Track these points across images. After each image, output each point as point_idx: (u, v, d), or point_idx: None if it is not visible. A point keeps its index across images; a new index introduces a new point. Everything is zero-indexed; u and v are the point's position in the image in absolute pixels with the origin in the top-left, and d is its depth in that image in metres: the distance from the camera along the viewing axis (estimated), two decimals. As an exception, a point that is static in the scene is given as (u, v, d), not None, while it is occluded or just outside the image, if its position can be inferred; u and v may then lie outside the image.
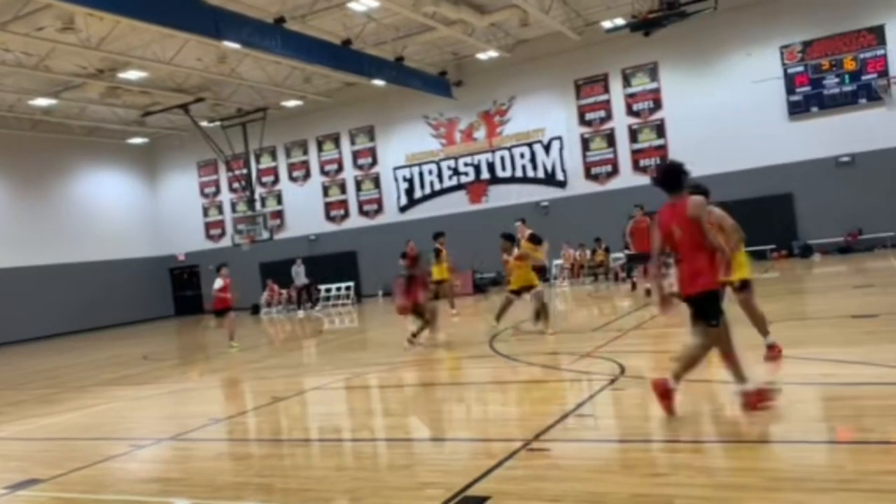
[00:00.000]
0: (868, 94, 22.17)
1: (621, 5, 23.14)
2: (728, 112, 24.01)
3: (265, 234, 29.09)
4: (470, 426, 6.68)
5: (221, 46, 21.06)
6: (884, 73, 21.95)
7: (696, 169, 24.30)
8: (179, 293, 35.49)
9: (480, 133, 28.56)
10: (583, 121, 26.73)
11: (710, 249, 5.57)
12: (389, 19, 22.35)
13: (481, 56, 26.67)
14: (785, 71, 23.40)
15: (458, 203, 28.83)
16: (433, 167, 29.41)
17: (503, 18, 23.57)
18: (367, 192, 30.97)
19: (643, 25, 19.47)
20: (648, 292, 14.67)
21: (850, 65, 22.49)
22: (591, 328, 11.49)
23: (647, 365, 8.45)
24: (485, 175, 28.44)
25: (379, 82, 25.36)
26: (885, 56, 22.02)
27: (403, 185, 30.04)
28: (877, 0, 22.06)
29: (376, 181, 30.79)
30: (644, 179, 25.53)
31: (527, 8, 21.75)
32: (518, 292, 12.01)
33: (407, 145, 29.91)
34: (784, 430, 5.20)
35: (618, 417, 6.17)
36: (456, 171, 28.98)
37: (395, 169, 30.19)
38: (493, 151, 28.30)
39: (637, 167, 25.86)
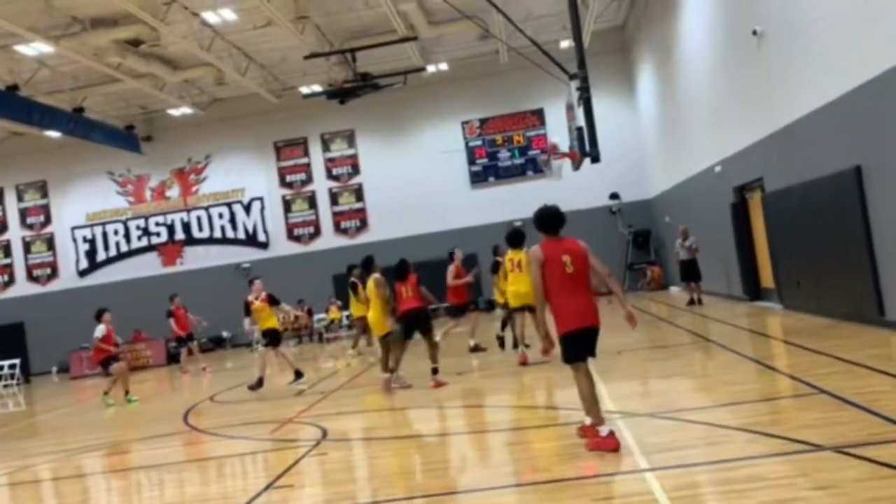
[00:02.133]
0: (534, 167, 25.36)
1: (318, 73, 23.83)
2: (419, 179, 25.79)
3: None
4: (160, 513, 6.07)
5: None
6: (545, 150, 25.33)
7: (392, 231, 25.05)
8: None
9: (174, 191, 27.12)
10: (284, 182, 26.75)
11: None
12: (67, 67, 20.40)
13: (174, 112, 25.51)
14: (466, 144, 25.88)
15: (149, 265, 26.86)
16: (119, 227, 27.13)
17: (198, 76, 22.89)
18: (39, 255, 27.49)
19: (338, 94, 20.24)
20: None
21: (519, 141, 25.61)
22: (294, 393, 11.26)
23: (351, 426, 8.49)
24: (179, 236, 26.95)
25: (53, 134, 22.92)
26: (545, 135, 25.44)
27: (84, 247, 27.22)
28: (538, 87, 25.36)
29: (50, 242, 27.50)
30: (345, 241, 26.22)
31: (222, 68, 21.38)
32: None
33: (88, 203, 27.26)
34: (475, 478, 5.50)
35: (320, 484, 6.05)
36: (146, 232, 27.05)
37: (74, 229, 27.29)
38: (188, 211, 26.99)
39: (339, 229, 26.45)
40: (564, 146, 12.80)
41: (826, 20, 10.18)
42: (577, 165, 12.73)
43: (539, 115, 25.60)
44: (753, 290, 14.83)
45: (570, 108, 13.34)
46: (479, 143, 25.84)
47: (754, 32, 12.09)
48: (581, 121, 11.31)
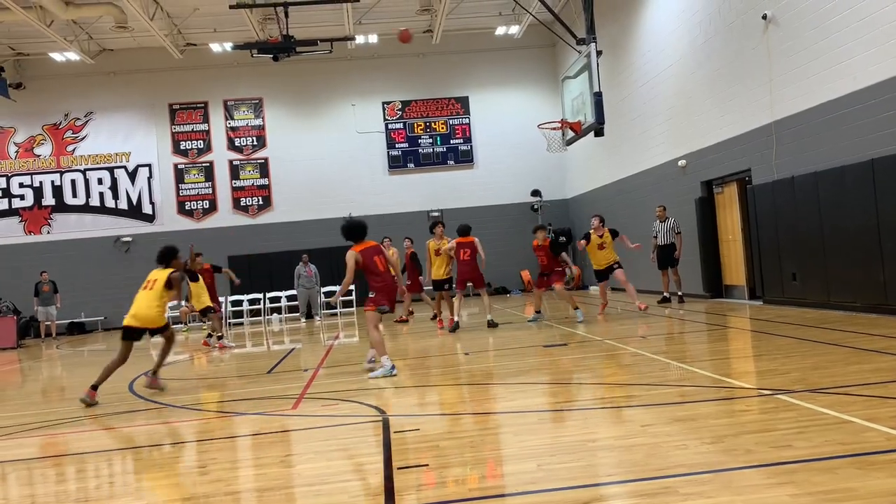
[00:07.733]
0: (456, 157, 24.37)
1: (232, 30, 21.57)
2: (333, 159, 24.06)
3: None
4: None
5: None
6: (469, 139, 24.42)
7: (298, 213, 22.95)
8: None
9: (45, 149, 23.61)
10: (177, 149, 24.02)
11: None
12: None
13: (57, 56, 22.16)
14: (386, 126, 24.42)
15: (8, 231, 23.19)
16: (-27, 184, 23.27)
17: (94, 16, 19.96)
18: None
19: (272, 49, 17.98)
20: None
21: (441, 128, 24.49)
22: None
23: (393, 402, 7.00)
24: (48, 200, 23.47)
25: None
26: (469, 124, 24.55)
27: (-74, 205, 23.08)
28: (464, 74, 24.60)
29: None
30: (245, 219, 23.90)
31: (129, 8, 18.66)
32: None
33: (-65, 153, 23.19)
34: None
35: (457, 464, 4.61)
36: (7, 193, 23.34)
37: (-85, 182, 23.09)
38: (61, 173, 23.57)
39: (238, 206, 24.08)
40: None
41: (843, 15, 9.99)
42: (577, 137, 11.91)
43: (463, 103, 24.62)
44: (716, 288, 14.60)
45: (564, 80, 12.63)
46: (399, 125, 24.46)
47: (764, 17, 11.78)
48: (597, 86, 10.49)
